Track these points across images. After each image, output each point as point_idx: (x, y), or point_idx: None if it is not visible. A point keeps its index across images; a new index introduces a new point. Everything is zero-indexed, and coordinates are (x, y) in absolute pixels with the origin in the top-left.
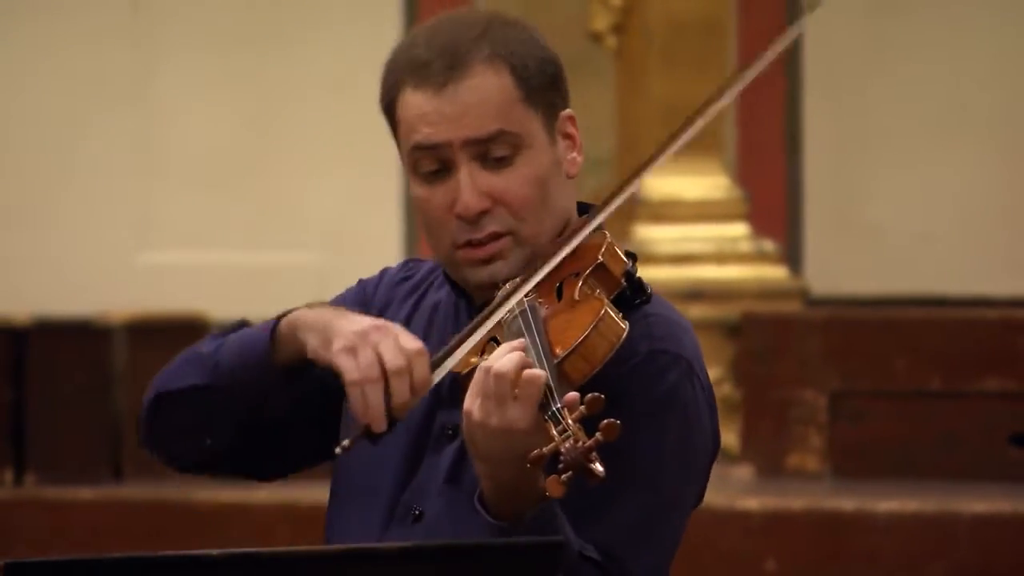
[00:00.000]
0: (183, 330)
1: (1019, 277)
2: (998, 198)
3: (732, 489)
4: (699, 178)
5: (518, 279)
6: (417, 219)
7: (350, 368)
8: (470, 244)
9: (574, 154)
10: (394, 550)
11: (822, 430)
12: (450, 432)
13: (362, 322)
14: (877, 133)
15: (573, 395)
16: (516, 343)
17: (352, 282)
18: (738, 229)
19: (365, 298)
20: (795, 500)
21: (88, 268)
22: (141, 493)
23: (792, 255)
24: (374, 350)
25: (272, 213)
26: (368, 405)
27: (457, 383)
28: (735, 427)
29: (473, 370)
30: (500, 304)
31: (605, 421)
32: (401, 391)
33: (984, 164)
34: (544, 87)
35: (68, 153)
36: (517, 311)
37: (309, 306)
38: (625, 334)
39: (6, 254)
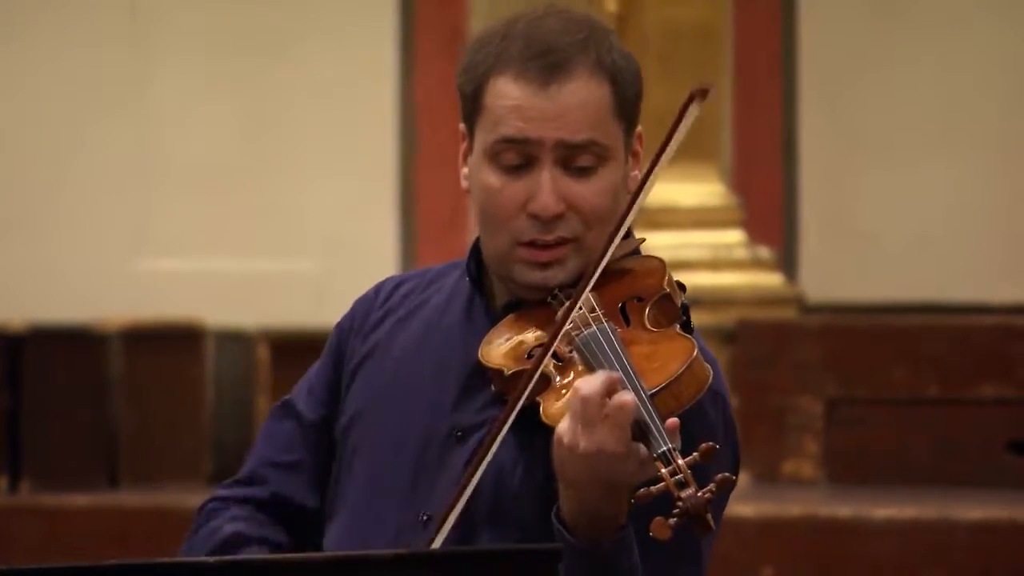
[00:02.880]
0: (179, 337)
1: (1016, 283)
2: (994, 204)
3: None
4: (695, 185)
5: (573, 293)
6: (464, 203)
7: None
8: (534, 244)
9: (636, 172)
10: (389, 557)
11: (818, 437)
12: (459, 434)
13: None
14: (873, 140)
15: (674, 422)
16: (614, 375)
17: (347, 287)
18: (734, 236)
19: (343, 336)
20: (792, 507)
21: (84, 275)
22: (137, 500)
23: (788, 262)
24: None
25: (269, 219)
26: None
27: (468, 383)
28: None
29: (505, 372)
30: (561, 326)
31: (721, 475)
32: None
33: (980, 170)
34: (632, 103)
35: (65, 159)
36: (593, 328)
37: None
38: (711, 380)
39: (2, 261)
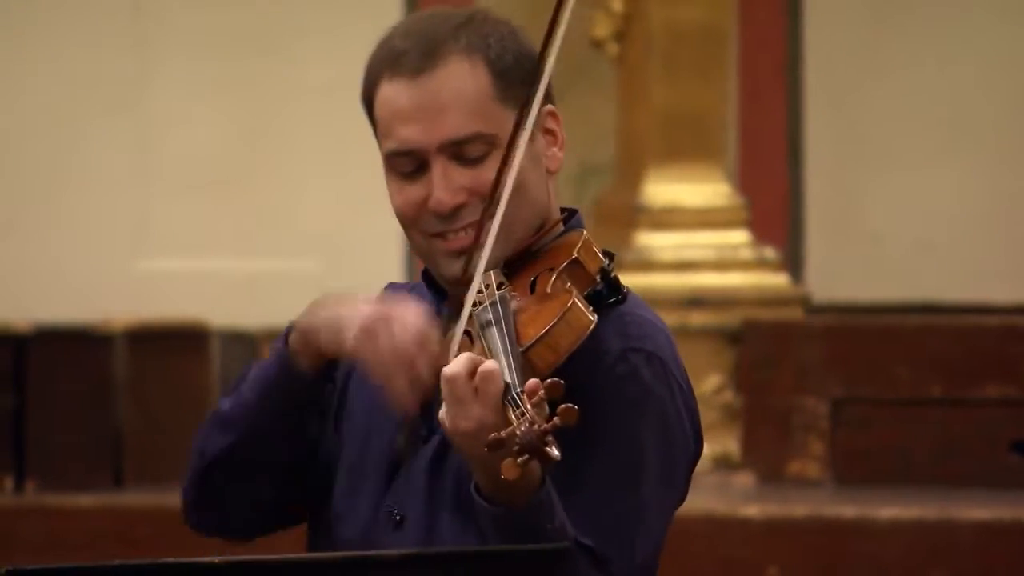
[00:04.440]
0: (183, 337)
1: (1019, 284)
2: (998, 205)
3: (733, 496)
4: (700, 185)
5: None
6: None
7: (369, 357)
8: (443, 235)
9: (555, 150)
10: (394, 557)
11: (823, 437)
12: (424, 433)
13: (364, 311)
14: (878, 140)
15: (534, 381)
16: (474, 356)
17: (350, 287)
18: (739, 236)
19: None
20: (796, 507)
21: (87, 275)
22: (142, 500)
23: (793, 262)
24: (386, 335)
25: (271, 219)
26: (395, 390)
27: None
28: (736, 434)
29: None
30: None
31: (563, 406)
32: (421, 370)
33: (985, 171)
34: (522, 83)
35: (66, 159)
36: (487, 303)
37: (312, 306)
38: (592, 326)
39: (6, 261)
